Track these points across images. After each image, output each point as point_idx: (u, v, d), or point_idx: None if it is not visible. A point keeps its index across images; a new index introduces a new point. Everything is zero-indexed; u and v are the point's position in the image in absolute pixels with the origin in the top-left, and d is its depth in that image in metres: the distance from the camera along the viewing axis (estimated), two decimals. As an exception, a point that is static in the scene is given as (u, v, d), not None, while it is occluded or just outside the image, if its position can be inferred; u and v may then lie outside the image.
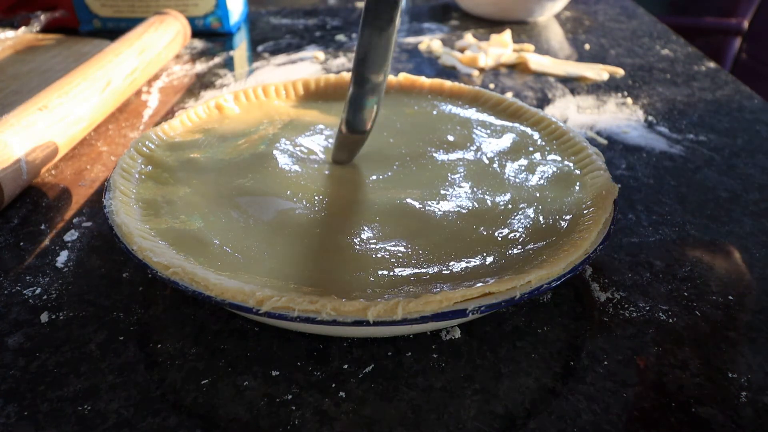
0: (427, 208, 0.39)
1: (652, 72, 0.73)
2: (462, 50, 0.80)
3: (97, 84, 0.55)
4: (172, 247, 0.34)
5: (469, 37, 0.82)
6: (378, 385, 0.32)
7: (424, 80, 0.55)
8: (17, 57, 0.71)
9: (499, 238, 0.36)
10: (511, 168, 0.43)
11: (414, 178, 0.42)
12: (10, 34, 0.74)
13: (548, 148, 0.45)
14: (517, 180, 0.42)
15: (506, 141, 0.47)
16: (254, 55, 0.79)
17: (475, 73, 0.73)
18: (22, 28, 0.75)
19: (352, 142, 0.43)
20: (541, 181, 0.41)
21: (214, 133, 0.47)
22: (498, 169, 0.43)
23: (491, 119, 0.50)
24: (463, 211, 0.38)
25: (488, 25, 0.90)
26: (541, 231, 0.36)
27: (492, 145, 0.46)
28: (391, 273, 0.33)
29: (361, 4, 1.00)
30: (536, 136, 0.47)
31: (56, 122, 0.49)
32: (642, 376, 0.32)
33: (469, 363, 0.33)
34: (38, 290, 0.38)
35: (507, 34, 0.81)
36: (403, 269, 0.33)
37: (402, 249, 0.35)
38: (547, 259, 0.33)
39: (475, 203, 0.39)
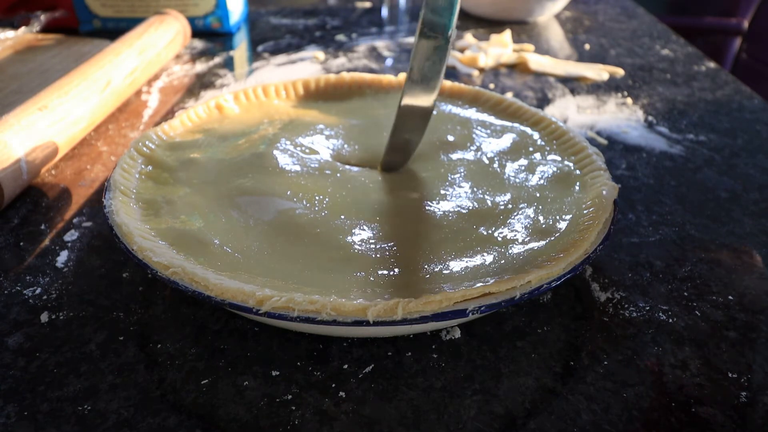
0: (427, 208, 0.39)
1: (652, 72, 0.73)
2: (462, 50, 0.80)
3: (97, 84, 0.55)
4: (172, 247, 0.34)
5: (469, 37, 0.82)
6: (378, 385, 0.32)
7: (424, 80, 0.54)
8: (17, 57, 0.71)
9: (499, 238, 0.36)
10: (511, 168, 0.43)
11: (414, 178, 0.42)
12: (10, 34, 0.74)
13: (548, 148, 0.45)
14: (517, 180, 0.42)
15: (506, 141, 0.47)
16: (254, 55, 0.79)
17: (475, 73, 0.73)
18: (22, 28, 0.75)
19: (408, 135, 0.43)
20: (541, 181, 0.41)
21: (214, 133, 0.47)
22: (498, 169, 0.43)
23: (491, 119, 0.50)
24: (463, 211, 0.38)
25: (488, 25, 0.90)
26: (541, 231, 0.36)
27: (492, 145, 0.46)
28: (391, 273, 0.33)
29: (361, 4, 1.00)
30: (536, 136, 0.47)
31: (56, 122, 0.49)
32: (642, 376, 0.32)
33: (469, 363, 0.33)
34: (38, 290, 0.38)
35: (507, 34, 0.81)
36: (403, 269, 0.33)
37: (402, 249, 0.35)
38: (547, 259, 0.33)
39: (475, 203, 0.39)
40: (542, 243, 0.35)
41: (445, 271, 0.33)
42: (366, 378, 0.32)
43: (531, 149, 0.45)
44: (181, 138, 0.46)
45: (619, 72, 0.73)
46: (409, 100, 0.42)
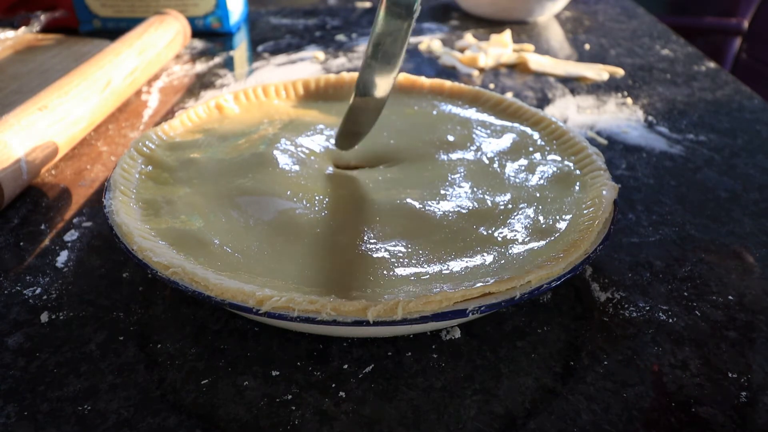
0: (427, 208, 0.39)
1: (652, 72, 0.73)
2: (462, 50, 0.80)
3: (97, 84, 0.55)
4: (172, 247, 0.34)
5: (469, 37, 0.82)
6: (378, 385, 0.32)
7: (424, 80, 0.55)
8: (17, 57, 0.71)
9: (499, 238, 0.36)
10: (511, 168, 0.43)
11: (414, 178, 0.42)
12: (10, 34, 0.74)
13: (548, 148, 0.45)
14: (517, 180, 0.42)
15: (506, 141, 0.47)
16: (254, 55, 0.79)
17: (475, 73, 0.73)
18: (22, 28, 0.75)
19: (359, 121, 0.42)
20: (541, 181, 0.41)
21: (214, 133, 0.47)
22: (498, 169, 0.43)
23: (491, 119, 0.50)
24: (463, 211, 0.38)
25: (488, 25, 0.90)
26: (541, 231, 0.36)
27: (492, 145, 0.46)
28: (391, 273, 0.33)
29: (361, 4, 1.00)
30: (536, 136, 0.47)
31: (56, 122, 0.49)
32: (642, 376, 0.32)
33: (469, 363, 0.33)
34: (38, 290, 0.38)
35: (507, 34, 0.81)
36: (403, 269, 0.33)
37: (402, 249, 0.35)
38: (547, 259, 0.33)
39: (475, 203, 0.39)
40: (542, 243, 0.35)
41: (445, 271, 0.33)
42: (366, 378, 0.32)
43: (531, 149, 0.45)
44: (181, 138, 0.46)
45: (619, 72, 0.73)
46: (366, 79, 0.40)
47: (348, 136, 0.44)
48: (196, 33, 0.82)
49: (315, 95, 0.54)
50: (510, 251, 0.35)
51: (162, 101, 0.64)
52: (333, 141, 0.45)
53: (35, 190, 0.48)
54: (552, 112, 0.63)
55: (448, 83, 0.54)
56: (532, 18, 0.91)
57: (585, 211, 0.37)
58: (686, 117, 0.62)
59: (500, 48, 0.77)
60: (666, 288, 0.39)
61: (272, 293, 0.30)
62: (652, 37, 0.86)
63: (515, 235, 0.36)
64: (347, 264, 0.34)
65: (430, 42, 0.82)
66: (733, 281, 0.39)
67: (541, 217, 0.38)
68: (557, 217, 0.37)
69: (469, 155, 0.45)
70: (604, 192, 0.38)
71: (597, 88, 0.69)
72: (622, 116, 0.62)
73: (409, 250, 0.35)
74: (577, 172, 0.42)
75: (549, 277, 0.31)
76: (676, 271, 0.40)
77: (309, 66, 0.75)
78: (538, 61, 0.74)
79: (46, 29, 0.79)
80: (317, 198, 0.39)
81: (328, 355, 0.33)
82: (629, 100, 0.65)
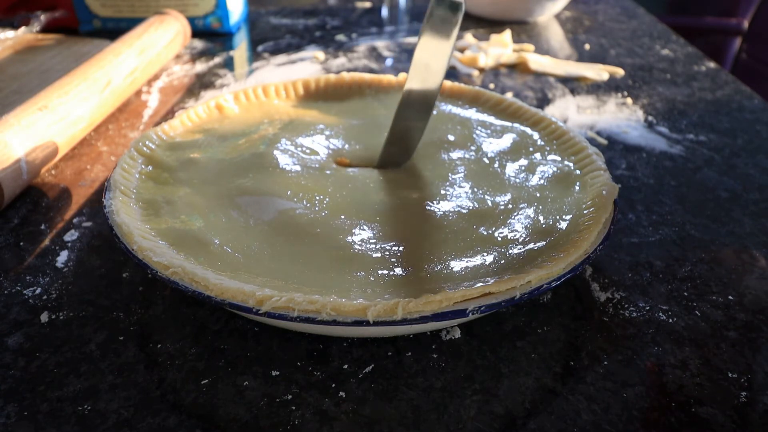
0: (427, 208, 0.39)
1: (652, 72, 0.73)
2: (462, 50, 0.80)
3: (97, 84, 0.55)
4: (172, 247, 0.34)
5: (469, 37, 0.82)
6: (378, 385, 0.32)
7: (424, 80, 0.54)
8: (17, 57, 0.71)
9: (499, 238, 0.36)
10: (511, 168, 0.43)
11: (414, 178, 0.42)
12: (10, 34, 0.74)
13: (548, 148, 0.45)
14: (518, 180, 0.42)
15: (506, 141, 0.47)
16: (254, 55, 0.79)
17: (475, 73, 0.73)
18: (22, 28, 0.75)
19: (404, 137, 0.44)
20: (541, 181, 0.41)
21: (214, 133, 0.47)
22: (498, 169, 0.43)
23: (491, 119, 0.50)
24: (464, 211, 0.38)
25: (488, 25, 0.90)
26: (541, 231, 0.36)
27: (492, 145, 0.46)
28: (391, 273, 0.33)
29: (361, 4, 1.00)
30: (536, 136, 0.47)
31: (56, 122, 0.49)
32: (642, 376, 0.32)
33: (469, 363, 0.33)
34: (38, 290, 0.38)
35: (507, 34, 0.81)
36: (403, 269, 0.33)
37: (402, 249, 0.35)
38: (547, 259, 0.33)
39: (475, 203, 0.39)
40: (542, 243, 0.35)
41: (445, 271, 0.33)
42: (366, 378, 0.32)
43: (531, 149, 0.45)
44: (181, 138, 0.46)
45: (619, 72, 0.73)
46: (414, 82, 0.41)
47: (394, 149, 0.44)
48: (196, 33, 0.82)
49: (315, 95, 0.54)
50: (510, 251, 0.35)
51: (162, 101, 0.64)
52: (378, 162, 0.45)
53: (35, 190, 0.48)
54: (552, 112, 0.63)
55: (448, 83, 0.54)
56: (532, 18, 0.91)
57: (585, 211, 0.37)
58: (686, 117, 0.62)
59: (500, 48, 0.77)
60: (666, 288, 0.39)
61: (272, 293, 0.30)
62: (652, 37, 0.86)
63: (515, 235, 0.36)
64: (347, 264, 0.34)
65: (430, 42, 0.81)
66: (733, 281, 0.39)
67: (541, 217, 0.38)
68: (557, 217, 0.37)
69: (470, 155, 0.45)
70: (604, 192, 0.38)
71: (597, 88, 0.69)
72: (622, 116, 0.62)
73: (410, 250, 0.35)
74: (577, 172, 0.42)
75: (549, 277, 0.31)
76: (676, 271, 0.40)
77: (309, 66, 0.75)
78: (538, 61, 0.74)
79: (46, 29, 0.79)
80: (317, 198, 0.39)
81: (328, 355, 0.33)
82: (629, 100, 0.65)
